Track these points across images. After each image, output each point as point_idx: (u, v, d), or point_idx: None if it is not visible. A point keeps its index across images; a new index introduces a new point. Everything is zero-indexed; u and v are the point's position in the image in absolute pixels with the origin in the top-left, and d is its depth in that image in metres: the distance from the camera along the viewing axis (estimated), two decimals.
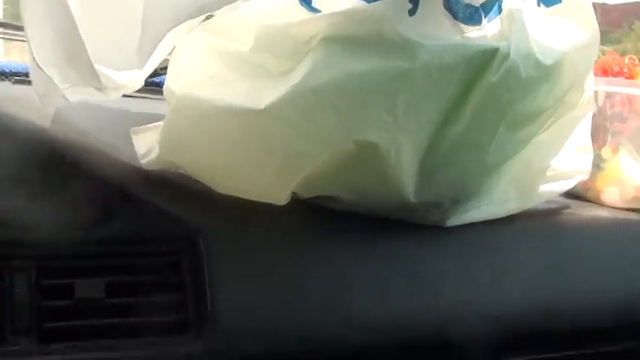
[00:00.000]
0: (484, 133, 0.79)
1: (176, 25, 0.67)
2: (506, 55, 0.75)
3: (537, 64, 0.78)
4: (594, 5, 0.86)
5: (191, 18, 0.68)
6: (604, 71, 1.09)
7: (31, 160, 0.72)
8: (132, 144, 0.81)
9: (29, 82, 0.73)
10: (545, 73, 0.79)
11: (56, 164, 0.73)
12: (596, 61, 0.91)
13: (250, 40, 0.75)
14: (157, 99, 0.97)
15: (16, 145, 0.72)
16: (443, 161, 0.78)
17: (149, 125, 0.81)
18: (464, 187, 0.83)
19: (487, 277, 0.84)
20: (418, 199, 0.79)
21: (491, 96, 0.76)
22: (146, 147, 0.78)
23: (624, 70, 1.07)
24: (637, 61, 1.10)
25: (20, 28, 1.24)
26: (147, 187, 0.77)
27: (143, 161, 0.78)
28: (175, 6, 0.66)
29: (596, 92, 0.99)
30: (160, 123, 0.78)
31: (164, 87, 0.78)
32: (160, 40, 0.68)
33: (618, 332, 0.90)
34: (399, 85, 0.72)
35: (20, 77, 1.04)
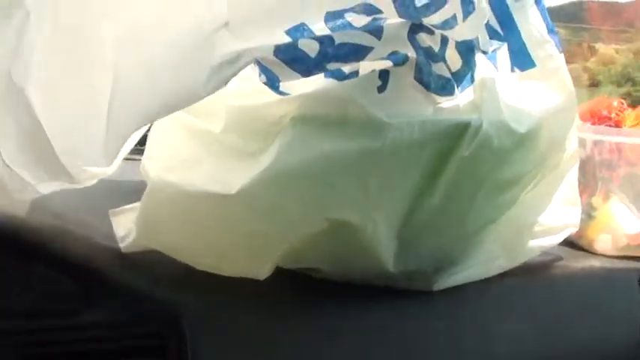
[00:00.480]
0: (461, 203, 0.79)
1: (142, 126, 0.67)
2: (478, 128, 0.75)
3: (511, 132, 0.78)
4: (607, 4, 0.85)
5: (157, 118, 0.68)
6: (592, 115, 1.08)
7: (10, 250, 0.72)
8: (109, 221, 0.81)
9: None
10: (519, 141, 0.79)
11: (35, 253, 0.73)
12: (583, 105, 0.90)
13: (221, 120, 0.75)
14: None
15: None
16: (421, 232, 0.78)
17: (127, 206, 0.81)
18: (445, 255, 0.83)
19: (473, 340, 0.83)
20: (398, 269, 0.79)
21: (466, 168, 0.76)
22: (124, 230, 0.79)
23: (612, 115, 1.07)
24: (625, 104, 1.09)
25: None
26: (127, 269, 0.77)
27: (122, 245, 0.78)
28: (140, 105, 0.67)
29: (583, 139, 0.99)
30: (139, 203, 0.78)
31: (140, 166, 0.79)
32: (127, 139, 0.69)
33: None
34: (370, 164, 0.72)
35: None
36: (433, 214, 0.77)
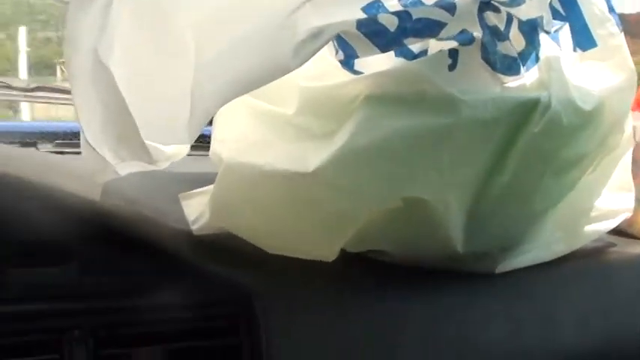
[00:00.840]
0: (530, 181, 0.79)
1: (226, 102, 0.68)
2: (548, 105, 0.75)
3: (578, 110, 0.78)
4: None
5: (242, 94, 0.69)
6: (638, 104, 1.09)
7: (85, 233, 0.73)
8: (181, 208, 0.82)
9: (72, 146, 0.74)
10: (585, 119, 0.79)
11: (109, 236, 0.73)
12: None
13: (294, 103, 0.76)
14: (201, 155, 0.98)
15: (68, 219, 0.73)
16: (490, 211, 0.78)
17: (197, 190, 0.82)
18: (512, 235, 0.83)
19: (535, 323, 0.83)
20: (467, 250, 0.79)
21: (535, 145, 0.76)
22: (196, 213, 0.79)
23: None
24: None
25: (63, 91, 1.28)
26: (199, 252, 0.77)
27: (194, 227, 0.79)
28: (225, 82, 0.67)
29: (634, 127, 0.99)
30: (208, 187, 0.79)
31: (210, 151, 0.79)
32: (211, 116, 0.70)
33: None
34: (443, 141, 0.73)
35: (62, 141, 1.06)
36: (502, 193, 0.78)
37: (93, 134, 0.70)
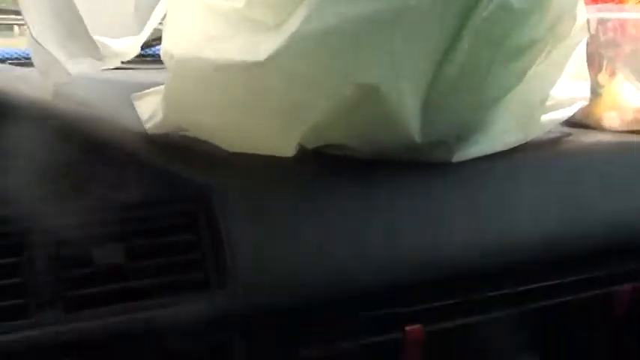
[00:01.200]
0: (480, 69, 0.79)
1: None
2: None
3: None
4: None
5: None
6: None
7: (38, 136, 0.72)
8: (134, 111, 0.81)
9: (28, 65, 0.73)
10: (535, 3, 0.79)
11: (62, 137, 0.73)
12: None
13: None
14: (154, 68, 0.97)
15: (22, 123, 0.72)
16: (443, 100, 0.79)
17: (150, 90, 0.81)
18: (466, 123, 0.84)
19: (494, 210, 0.84)
20: (423, 139, 0.79)
21: (484, 31, 0.76)
22: (149, 112, 0.79)
23: None
24: None
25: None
26: (155, 150, 0.77)
27: (147, 125, 0.78)
28: None
29: (588, 20, 0.99)
30: (161, 87, 0.78)
31: (161, 51, 0.79)
32: (156, 4, 0.69)
33: (626, 254, 0.91)
34: (394, 25, 0.72)
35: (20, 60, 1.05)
36: (454, 80, 0.78)
37: (40, 31, 0.70)
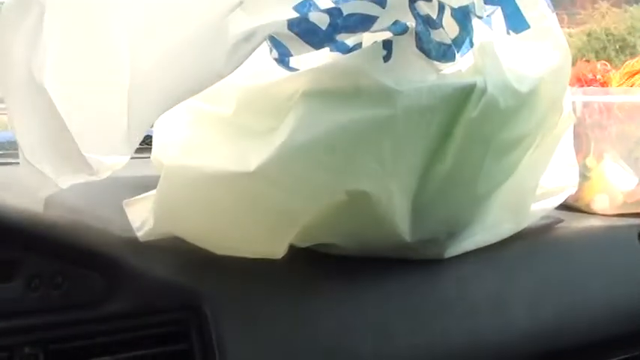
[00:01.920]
0: (471, 166, 0.80)
1: (163, 113, 0.67)
2: (484, 89, 0.76)
3: (514, 93, 0.79)
4: None
5: (179, 102, 0.68)
6: (578, 80, 1.11)
7: (30, 247, 0.72)
8: (125, 214, 0.82)
9: (12, 156, 0.73)
10: (523, 101, 0.80)
11: (54, 248, 0.73)
12: None
13: (232, 103, 0.76)
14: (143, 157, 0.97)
15: (12, 232, 0.72)
16: (434, 199, 0.79)
17: (141, 196, 0.81)
18: (457, 220, 0.84)
19: (488, 304, 0.84)
20: (414, 238, 0.80)
21: (473, 130, 0.77)
22: (140, 219, 0.79)
23: (597, 77, 1.09)
24: (608, 65, 1.12)
25: None
26: (146, 258, 0.77)
27: (139, 234, 0.78)
28: (161, 93, 0.67)
29: (573, 103, 1.00)
30: (152, 192, 0.78)
31: (152, 157, 0.79)
32: (149, 126, 0.69)
33: (628, 340, 0.91)
34: (383, 132, 0.73)
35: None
36: (444, 180, 0.78)
37: (31, 151, 0.70)
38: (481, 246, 0.88)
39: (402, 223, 0.78)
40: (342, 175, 0.73)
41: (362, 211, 0.76)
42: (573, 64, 0.95)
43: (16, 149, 0.74)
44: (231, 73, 0.66)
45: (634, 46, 9.55)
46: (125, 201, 0.82)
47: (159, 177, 0.77)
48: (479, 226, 0.87)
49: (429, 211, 0.80)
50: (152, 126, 0.79)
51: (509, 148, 0.82)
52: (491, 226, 0.88)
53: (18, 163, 0.75)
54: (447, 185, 0.79)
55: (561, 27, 0.87)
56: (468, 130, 0.77)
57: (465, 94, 0.76)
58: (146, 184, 0.83)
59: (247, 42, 0.65)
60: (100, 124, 0.70)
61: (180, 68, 0.67)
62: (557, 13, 0.88)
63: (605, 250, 0.98)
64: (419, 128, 0.75)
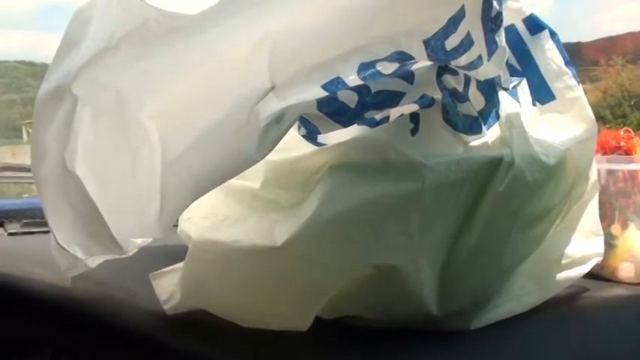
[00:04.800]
0: (497, 239, 0.79)
1: (198, 197, 0.68)
2: (511, 163, 0.76)
3: (542, 166, 0.79)
4: (569, 45, 0.87)
5: (212, 188, 0.69)
6: (601, 147, 1.10)
7: (56, 321, 0.72)
8: (151, 285, 0.82)
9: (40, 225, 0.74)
10: (550, 174, 0.80)
11: (82, 322, 0.73)
12: None
13: (260, 176, 0.76)
14: None
15: (39, 308, 0.73)
16: (461, 272, 0.79)
17: (167, 269, 0.81)
18: (484, 292, 0.84)
19: None
20: (441, 311, 0.79)
21: (500, 204, 0.77)
22: (167, 293, 0.79)
23: (621, 143, 1.09)
24: (632, 133, 1.12)
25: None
26: (173, 331, 0.77)
27: (166, 307, 0.78)
28: (193, 180, 0.67)
29: (598, 170, 1.00)
30: (178, 265, 0.79)
31: (179, 229, 0.79)
32: (182, 211, 0.70)
33: None
34: (411, 206, 0.73)
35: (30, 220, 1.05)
36: (471, 253, 0.78)
37: (63, 235, 0.71)
38: (507, 317, 0.87)
39: (429, 296, 0.78)
40: (370, 249, 0.73)
41: (389, 285, 0.75)
42: None
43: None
44: (264, 157, 0.66)
45: None
46: (152, 274, 0.82)
47: (184, 246, 0.78)
48: (505, 297, 0.87)
49: (456, 283, 0.79)
50: None
51: (535, 221, 0.82)
52: (516, 297, 0.88)
53: (47, 231, 0.75)
54: (474, 258, 0.79)
55: None
56: (495, 204, 0.77)
57: (493, 167, 0.76)
58: (172, 254, 0.83)
59: (278, 124, 0.66)
60: (132, 208, 0.71)
61: (212, 153, 0.68)
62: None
63: (631, 319, 0.97)
64: (447, 202, 0.75)
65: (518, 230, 0.80)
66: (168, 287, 0.80)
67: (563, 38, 0.89)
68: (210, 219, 0.76)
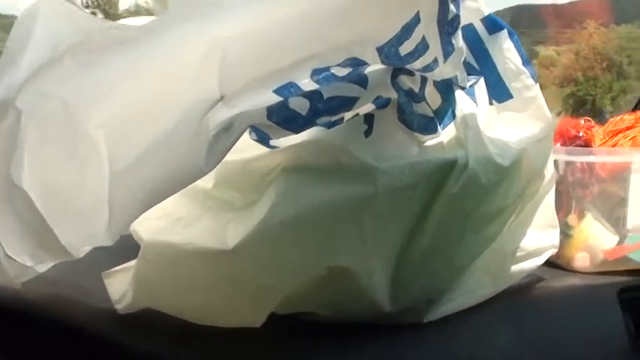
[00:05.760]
0: (451, 240, 0.80)
1: (147, 209, 0.67)
2: (465, 165, 0.76)
3: (496, 167, 0.79)
4: (544, 7, 0.87)
5: (162, 200, 0.68)
6: (561, 136, 1.11)
7: (10, 323, 0.72)
8: (103, 284, 0.81)
9: None
10: (504, 175, 0.80)
11: (34, 324, 0.73)
12: None
13: (212, 176, 0.75)
14: None
15: None
16: (414, 272, 0.79)
17: (119, 267, 0.81)
18: (436, 289, 0.84)
19: None
20: (393, 309, 0.80)
21: (454, 206, 0.77)
22: (119, 292, 0.79)
23: (580, 134, 1.09)
24: (592, 122, 1.12)
25: None
26: (125, 330, 0.77)
27: (118, 307, 0.78)
28: (143, 189, 0.67)
29: (556, 161, 1.01)
30: (130, 264, 0.78)
31: (131, 229, 0.79)
32: (131, 222, 0.69)
33: None
34: (363, 209, 0.73)
35: None
36: (424, 254, 0.78)
37: (11, 247, 0.71)
38: (460, 309, 0.87)
39: (381, 296, 0.78)
40: (323, 251, 0.73)
41: (342, 285, 0.76)
42: (562, 85, 0.95)
43: None
44: (212, 168, 0.65)
45: (620, 65, 9.61)
46: (104, 273, 0.82)
47: (136, 242, 0.77)
48: (458, 291, 0.87)
49: (409, 283, 0.80)
50: None
51: (489, 220, 0.83)
52: (470, 290, 0.88)
53: None
54: (427, 258, 0.79)
55: (550, 45, 0.88)
56: (449, 205, 0.77)
57: (447, 169, 0.76)
58: (125, 249, 0.82)
59: (227, 133, 0.65)
60: (80, 218, 0.70)
61: (161, 165, 0.67)
62: (545, 32, 0.88)
63: (585, 308, 0.97)
64: (400, 205, 0.75)
65: (471, 231, 0.81)
66: (120, 287, 0.79)
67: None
68: (163, 219, 0.76)
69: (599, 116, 1.20)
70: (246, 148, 0.74)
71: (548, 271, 1.04)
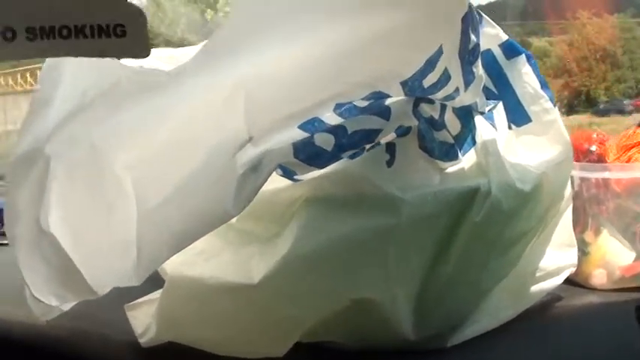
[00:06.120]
0: (474, 266, 0.80)
1: (175, 252, 0.66)
2: (488, 193, 0.76)
3: (517, 193, 0.79)
4: None
5: (190, 243, 0.67)
6: (574, 151, 1.10)
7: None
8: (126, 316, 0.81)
9: None
10: (525, 200, 0.80)
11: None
12: None
13: None
14: None
15: (13, 348, 0.72)
16: (437, 300, 0.79)
17: (142, 300, 0.81)
18: (461, 314, 0.84)
19: None
20: (417, 336, 0.79)
21: (477, 233, 0.77)
22: (142, 325, 0.78)
23: (593, 148, 1.09)
24: (605, 135, 1.12)
25: None
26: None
27: (142, 340, 0.78)
28: (171, 232, 0.66)
29: (571, 177, 1.00)
30: (154, 295, 0.78)
31: None
32: (159, 265, 0.69)
33: None
34: (387, 240, 0.73)
35: None
36: (448, 281, 0.78)
37: (38, 288, 0.71)
38: (482, 332, 0.87)
39: (405, 324, 0.78)
40: (346, 283, 0.73)
41: (365, 315, 0.75)
42: (555, 76, 0.95)
43: None
44: (240, 212, 0.65)
45: (614, 56, 9.62)
46: (126, 305, 0.81)
47: (157, 272, 0.77)
48: (480, 314, 0.87)
49: (433, 310, 0.80)
50: None
51: (512, 244, 0.83)
52: (492, 312, 0.88)
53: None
54: (451, 285, 0.79)
55: (542, 36, 0.88)
56: (472, 233, 0.77)
57: (469, 198, 0.76)
58: (147, 279, 0.82)
59: (255, 172, 0.65)
60: (108, 259, 0.70)
61: (189, 206, 0.67)
62: (538, 23, 0.88)
63: (602, 326, 0.97)
64: (423, 235, 0.75)
65: (494, 256, 0.81)
66: (143, 319, 0.79)
67: None
68: (186, 253, 0.75)
69: (594, 106, 1.19)
70: (271, 181, 0.74)
71: (566, 289, 1.03)
